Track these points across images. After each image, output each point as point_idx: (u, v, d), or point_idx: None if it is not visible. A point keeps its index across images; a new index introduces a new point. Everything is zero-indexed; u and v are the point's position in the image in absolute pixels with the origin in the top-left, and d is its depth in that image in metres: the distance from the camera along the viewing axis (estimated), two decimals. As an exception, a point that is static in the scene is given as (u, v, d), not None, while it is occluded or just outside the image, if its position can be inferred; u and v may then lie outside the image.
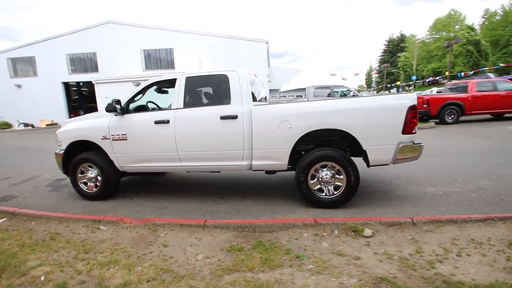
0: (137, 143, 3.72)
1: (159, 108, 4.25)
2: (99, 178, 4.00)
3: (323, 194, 3.33)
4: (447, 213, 2.99)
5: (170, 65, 18.69)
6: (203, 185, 4.62)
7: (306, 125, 3.19)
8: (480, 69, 22.43)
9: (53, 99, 19.56)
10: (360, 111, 3.10)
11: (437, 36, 46.44)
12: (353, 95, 12.06)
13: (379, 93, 43.13)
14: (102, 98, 16.28)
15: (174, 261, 2.30)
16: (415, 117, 3.04)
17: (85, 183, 4.10)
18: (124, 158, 3.83)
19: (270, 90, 19.56)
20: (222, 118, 3.38)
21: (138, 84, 16.17)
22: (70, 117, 19.08)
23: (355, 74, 75.01)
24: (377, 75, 65.98)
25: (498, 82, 10.66)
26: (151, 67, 18.96)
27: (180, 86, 3.63)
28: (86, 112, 13.69)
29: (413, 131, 3.06)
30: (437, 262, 2.14)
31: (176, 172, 5.36)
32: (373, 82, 70.94)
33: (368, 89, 68.83)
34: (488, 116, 11.45)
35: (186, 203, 3.77)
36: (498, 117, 11.30)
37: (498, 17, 38.68)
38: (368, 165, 3.25)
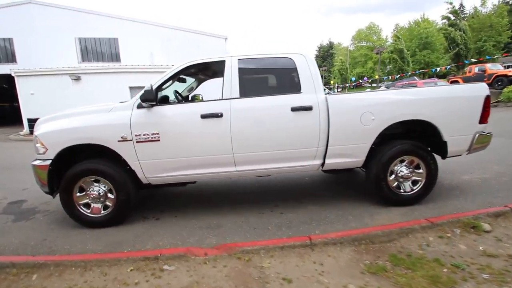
0: (176, 145, 2.79)
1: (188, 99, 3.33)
2: (110, 196, 2.88)
3: (401, 190, 3.08)
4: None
5: (115, 57, 16.10)
6: (234, 193, 3.86)
7: (390, 116, 2.88)
8: (405, 73, 26.50)
9: None
10: (443, 101, 2.95)
11: (360, 44, 53.07)
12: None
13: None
14: (27, 94, 12.89)
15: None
16: (489, 106, 3.05)
17: (87, 205, 2.91)
18: (154, 166, 2.83)
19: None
20: (294, 109, 2.79)
21: (78, 78, 13.53)
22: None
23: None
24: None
25: (437, 82, 12.54)
26: (89, 58, 15.97)
27: (232, 70, 2.87)
28: None
29: (487, 121, 3.07)
30: None
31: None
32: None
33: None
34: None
35: (240, 217, 3.01)
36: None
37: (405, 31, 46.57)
38: (444, 157, 3.14)
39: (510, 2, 46.99)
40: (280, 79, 3.00)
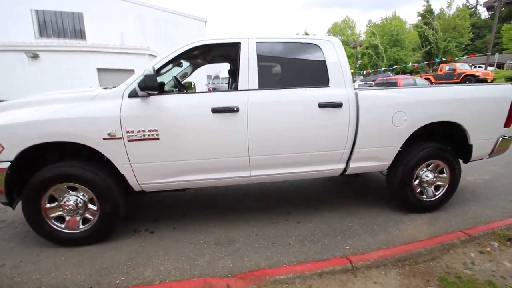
0: (179, 145, 2.25)
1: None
2: (91, 206, 2.29)
3: (424, 196, 2.87)
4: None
5: (79, 35, 14.26)
6: (237, 197, 3.41)
7: (424, 116, 2.60)
8: (379, 69, 27.45)
9: None
10: (473, 102, 2.74)
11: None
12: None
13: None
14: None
15: None
16: (514, 109, 2.92)
17: (61, 218, 2.29)
18: (151, 170, 2.28)
19: (208, 76, 17.91)
20: (322, 106, 2.38)
21: (36, 56, 11.78)
22: None
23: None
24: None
25: (416, 79, 12.93)
26: (48, 34, 13.94)
27: (250, 55, 2.36)
28: None
29: (510, 125, 2.94)
30: None
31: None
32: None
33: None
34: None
35: (251, 228, 2.59)
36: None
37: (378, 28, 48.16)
38: (467, 162, 2.97)
39: (471, 6, 50.40)
40: (305, 69, 2.55)
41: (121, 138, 2.15)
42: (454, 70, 17.19)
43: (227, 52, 3.21)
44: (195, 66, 3.67)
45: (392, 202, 3.04)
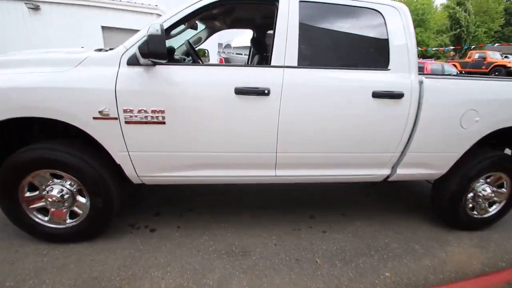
0: (190, 132, 1.75)
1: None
2: (80, 199, 1.86)
3: (474, 212, 2.41)
4: None
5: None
6: (250, 193, 2.97)
7: (500, 119, 2.04)
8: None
9: None
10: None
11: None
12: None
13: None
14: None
15: None
16: None
17: (44, 211, 1.88)
18: (153, 161, 1.81)
19: (219, 45, 16.79)
20: (377, 95, 1.83)
21: (37, 8, 10.92)
22: None
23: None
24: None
25: (444, 65, 11.89)
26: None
27: (290, 19, 1.77)
28: None
29: None
30: None
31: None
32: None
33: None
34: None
35: (269, 235, 2.18)
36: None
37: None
38: None
39: (508, -12, 46.21)
40: (359, 44, 1.95)
41: (116, 118, 1.66)
42: (484, 58, 15.84)
43: (255, 14, 2.60)
44: (211, 30, 3.05)
45: (425, 210, 2.60)
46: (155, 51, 1.46)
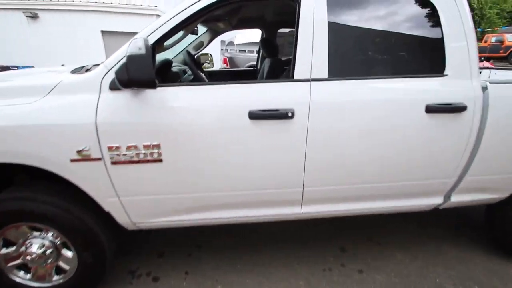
0: (195, 170, 1.39)
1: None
2: (66, 253, 1.53)
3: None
4: None
5: (80, -10, 12.80)
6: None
7: None
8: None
9: None
10: None
11: None
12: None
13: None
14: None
15: None
16: None
17: (25, 267, 1.56)
18: (151, 206, 1.46)
19: (222, 42, 16.33)
20: (432, 110, 1.42)
21: (35, 16, 10.72)
22: None
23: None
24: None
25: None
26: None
27: (316, 18, 1.36)
28: None
29: None
30: None
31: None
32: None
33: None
34: None
35: (295, 279, 1.81)
36: None
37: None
38: None
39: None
40: (406, 44, 1.52)
41: (100, 159, 1.30)
42: (502, 42, 14.90)
43: (266, 11, 2.18)
44: (214, 33, 2.66)
45: (485, 240, 2.18)
46: (138, 78, 1.09)
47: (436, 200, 1.74)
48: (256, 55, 3.42)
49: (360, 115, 1.40)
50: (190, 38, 2.57)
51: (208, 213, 1.55)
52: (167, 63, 1.76)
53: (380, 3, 1.45)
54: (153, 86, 1.14)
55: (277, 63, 2.41)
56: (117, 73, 1.15)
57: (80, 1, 11.63)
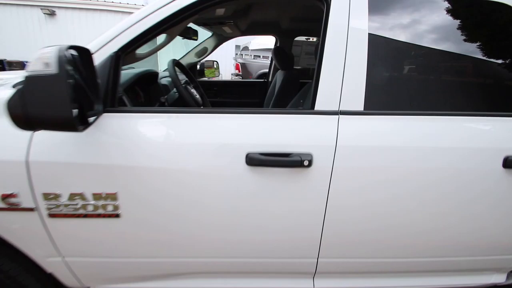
0: (170, 229, 0.98)
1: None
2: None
3: None
4: None
5: (99, -10, 12.94)
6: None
7: None
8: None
9: None
10: None
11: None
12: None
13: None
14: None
15: None
16: None
17: None
18: (108, 269, 1.06)
19: (236, 47, 16.10)
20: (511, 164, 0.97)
21: (52, 13, 10.82)
22: None
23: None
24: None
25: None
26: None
27: (351, 28, 0.95)
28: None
29: None
30: None
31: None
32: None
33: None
34: None
35: None
36: None
37: None
38: None
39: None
40: (472, 69, 1.08)
41: (33, 209, 0.92)
42: None
43: (281, 14, 1.78)
44: (220, 39, 2.28)
45: None
46: (42, 115, 0.67)
47: (497, 279, 1.27)
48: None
49: (407, 167, 0.96)
50: (192, 43, 2.22)
51: (190, 280, 1.14)
52: (150, 75, 1.37)
53: (438, 8, 1.01)
54: (71, 127, 0.71)
55: (291, 78, 2.00)
56: (9, 105, 0.70)
57: (97, 0, 11.70)
